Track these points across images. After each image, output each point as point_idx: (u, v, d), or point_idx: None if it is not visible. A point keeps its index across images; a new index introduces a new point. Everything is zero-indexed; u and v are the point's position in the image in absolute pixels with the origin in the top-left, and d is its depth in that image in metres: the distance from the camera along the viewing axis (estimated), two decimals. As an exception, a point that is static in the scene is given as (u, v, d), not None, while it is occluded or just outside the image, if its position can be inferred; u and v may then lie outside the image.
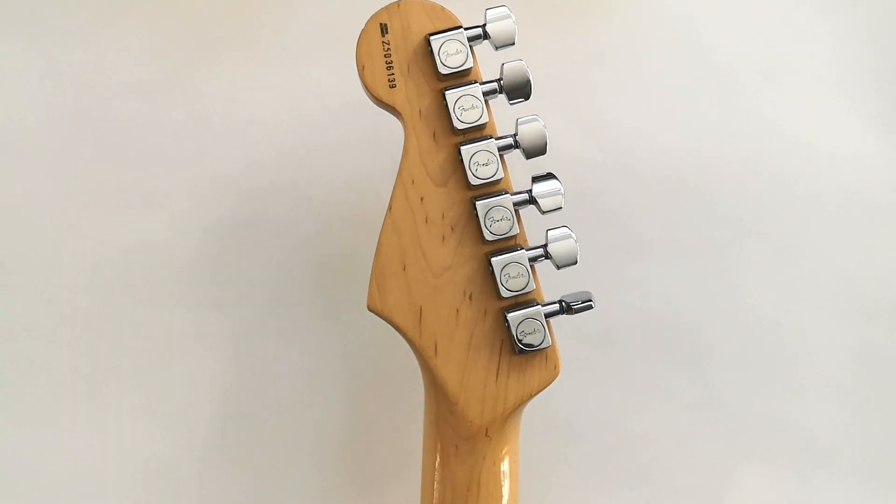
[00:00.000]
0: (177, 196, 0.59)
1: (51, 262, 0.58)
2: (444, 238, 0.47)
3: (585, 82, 0.60)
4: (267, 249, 0.59)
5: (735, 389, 0.59)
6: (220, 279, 0.59)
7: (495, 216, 0.47)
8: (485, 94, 0.47)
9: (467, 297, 0.47)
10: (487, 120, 0.47)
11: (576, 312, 0.47)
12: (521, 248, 0.47)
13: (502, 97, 0.47)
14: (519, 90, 0.47)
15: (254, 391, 0.58)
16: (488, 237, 0.47)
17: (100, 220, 0.59)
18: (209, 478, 0.58)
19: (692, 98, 0.60)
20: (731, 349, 0.59)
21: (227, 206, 0.59)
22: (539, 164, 0.48)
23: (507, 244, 0.47)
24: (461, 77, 0.47)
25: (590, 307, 0.47)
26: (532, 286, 0.47)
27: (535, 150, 0.47)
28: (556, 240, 0.47)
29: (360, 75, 0.47)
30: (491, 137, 0.47)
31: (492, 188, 0.47)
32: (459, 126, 0.47)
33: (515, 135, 0.47)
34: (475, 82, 0.47)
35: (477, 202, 0.46)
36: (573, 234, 0.47)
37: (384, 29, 0.47)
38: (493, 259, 0.46)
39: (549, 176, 0.47)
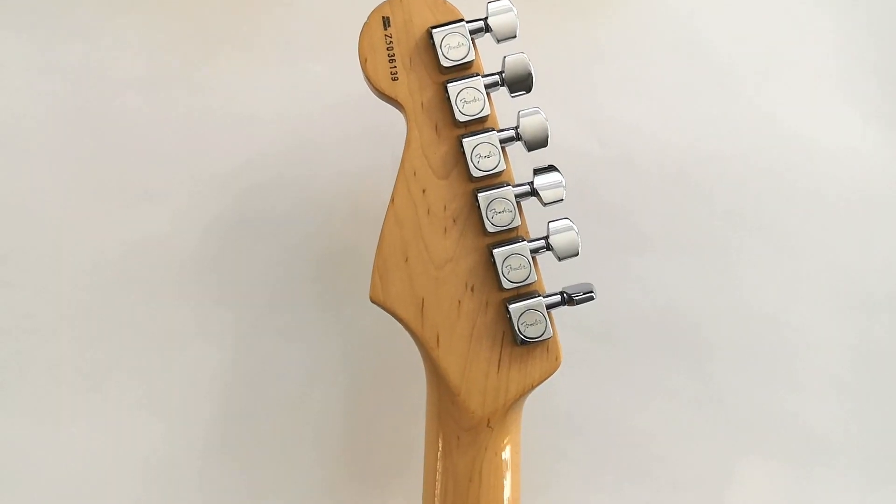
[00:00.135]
0: (178, 192, 0.59)
1: (52, 258, 0.58)
2: (445, 230, 0.47)
3: (586, 77, 0.60)
4: (268, 245, 0.59)
5: (735, 384, 0.59)
6: (222, 275, 0.59)
7: (497, 208, 0.47)
8: (486, 86, 0.47)
9: (469, 289, 0.47)
10: (489, 112, 0.47)
11: (577, 304, 0.47)
12: (523, 240, 0.47)
13: (504, 90, 0.47)
14: (520, 83, 0.47)
15: (255, 386, 0.58)
16: (490, 229, 0.47)
17: (101, 216, 0.59)
18: (210, 473, 0.58)
19: (693, 93, 0.60)
20: (731, 344, 0.59)
21: (229, 202, 0.59)
22: (540, 159, 0.48)
23: (509, 236, 0.47)
24: (463, 70, 0.47)
25: (591, 298, 0.47)
26: (533, 277, 0.47)
27: (537, 143, 0.47)
28: (558, 231, 0.47)
29: (362, 68, 0.48)
30: (492, 130, 0.47)
31: (493, 180, 0.47)
32: (461, 118, 0.47)
33: (517, 127, 0.47)
34: (477, 75, 0.47)
35: (479, 194, 0.47)
36: (574, 226, 0.47)
37: (386, 22, 0.47)
38: (494, 251, 0.47)
39: (551, 168, 0.47)
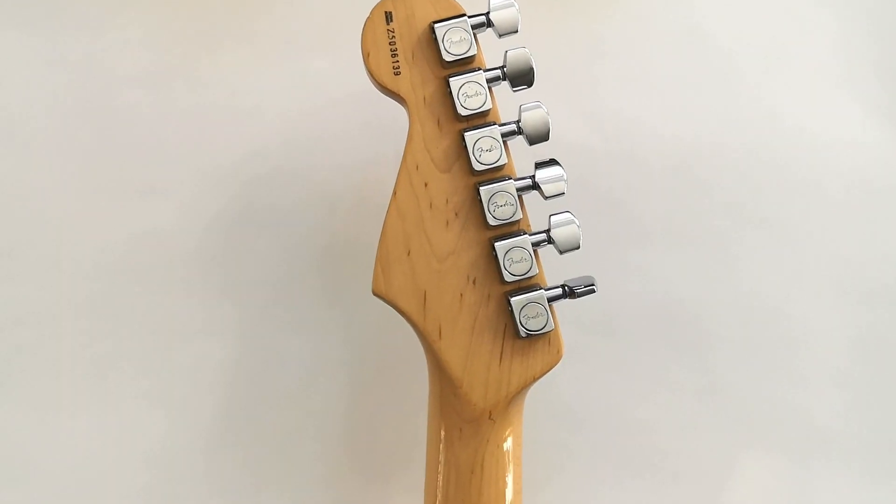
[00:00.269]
0: (182, 186, 0.59)
1: (56, 253, 0.59)
2: (448, 223, 0.47)
3: (587, 72, 0.60)
4: (271, 239, 0.59)
5: (736, 377, 0.59)
6: (225, 268, 0.59)
7: (499, 201, 0.47)
8: (488, 81, 0.47)
9: (471, 282, 0.47)
10: (491, 106, 0.47)
11: (578, 297, 0.47)
12: (525, 233, 0.47)
13: (505, 84, 0.48)
14: (522, 77, 0.47)
15: (258, 379, 0.59)
16: (492, 222, 0.47)
17: (105, 210, 0.59)
18: (213, 466, 0.58)
19: (694, 87, 0.60)
20: (732, 336, 0.59)
21: (232, 196, 0.59)
22: (541, 153, 0.48)
23: (511, 229, 0.48)
24: (465, 64, 0.48)
25: (592, 291, 0.47)
26: (535, 270, 0.47)
27: (538, 137, 0.47)
28: (559, 225, 0.47)
29: (365, 63, 0.48)
30: (494, 124, 0.47)
31: (495, 174, 0.48)
32: (463, 112, 0.47)
33: (518, 121, 0.47)
34: (479, 69, 0.47)
35: (480, 187, 0.47)
36: (576, 220, 0.47)
37: (389, 17, 0.48)
38: (496, 244, 0.47)
39: (552, 162, 0.48)
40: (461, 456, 0.48)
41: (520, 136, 0.47)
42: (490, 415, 0.47)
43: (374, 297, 0.48)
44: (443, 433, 0.48)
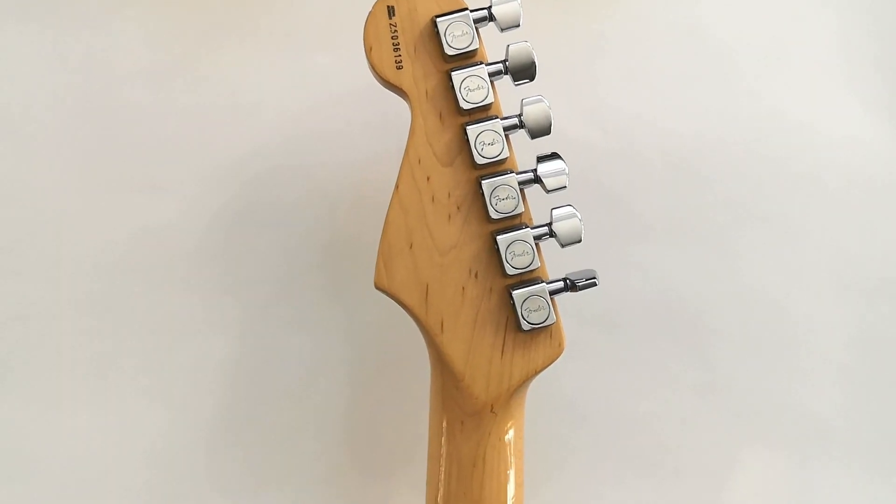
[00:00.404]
0: (182, 183, 0.59)
1: (58, 249, 0.59)
2: (450, 217, 0.48)
3: (588, 67, 0.60)
4: (273, 235, 0.59)
5: (737, 372, 0.59)
6: (226, 265, 0.59)
7: (501, 195, 0.47)
8: (490, 75, 0.47)
9: (473, 275, 0.48)
10: (493, 100, 0.47)
11: (580, 290, 0.47)
12: (526, 227, 0.47)
13: (507, 78, 0.48)
14: (524, 71, 0.47)
15: (259, 376, 0.59)
16: (494, 216, 0.47)
17: (106, 206, 0.59)
18: (214, 462, 0.58)
19: (694, 83, 0.60)
20: (733, 332, 0.59)
21: (233, 193, 0.59)
22: (543, 149, 0.48)
23: (513, 222, 0.48)
24: (467, 58, 0.48)
25: (594, 284, 0.47)
26: (537, 264, 0.47)
27: (540, 130, 0.47)
28: (561, 218, 0.47)
29: (367, 57, 0.48)
30: (496, 118, 0.47)
31: (497, 167, 0.48)
32: (465, 106, 0.47)
33: (520, 115, 0.47)
34: (481, 63, 0.47)
35: (482, 181, 0.47)
36: (577, 213, 0.47)
37: (391, 11, 0.48)
38: (498, 237, 0.47)
39: (554, 156, 0.48)
40: (463, 449, 0.48)
41: (522, 130, 0.47)
42: (492, 408, 0.48)
43: (376, 295, 0.48)
44: (445, 426, 0.48)
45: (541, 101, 0.47)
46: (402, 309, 0.48)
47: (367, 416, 0.59)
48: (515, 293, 0.47)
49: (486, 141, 0.47)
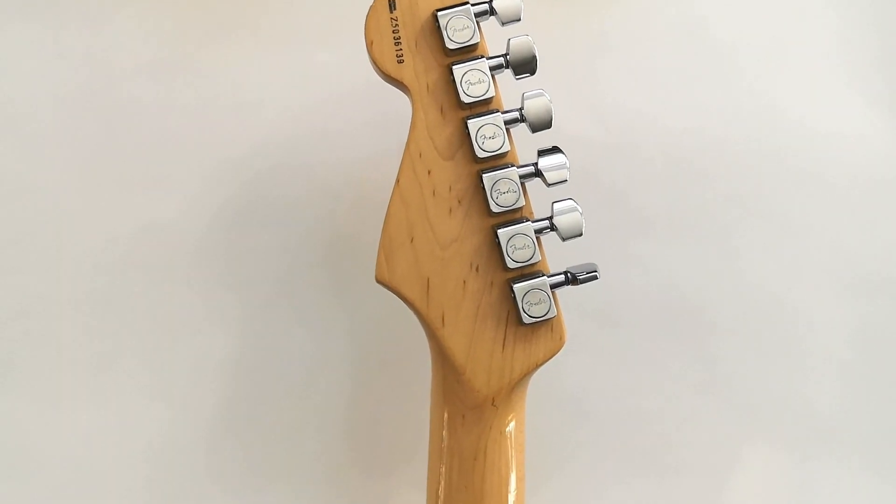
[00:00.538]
0: (184, 179, 0.59)
1: (61, 244, 0.59)
2: (451, 210, 0.48)
3: (589, 63, 0.60)
4: (275, 231, 0.59)
5: (738, 368, 0.59)
6: (229, 261, 0.59)
7: (502, 188, 0.47)
8: (491, 68, 0.47)
9: (474, 269, 0.48)
10: (494, 94, 0.47)
11: (581, 283, 0.47)
12: (527, 220, 0.47)
13: (508, 72, 0.48)
14: (525, 65, 0.47)
15: (260, 373, 0.59)
16: (495, 209, 0.47)
17: (108, 203, 0.59)
18: (215, 459, 0.58)
19: (695, 79, 0.60)
20: (734, 328, 0.59)
21: (235, 189, 0.59)
22: (543, 144, 0.48)
23: (514, 216, 0.48)
24: (468, 52, 0.48)
25: (595, 278, 0.47)
26: (538, 257, 0.47)
27: (541, 124, 0.47)
28: (562, 212, 0.47)
29: (368, 51, 0.48)
30: (497, 111, 0.47)
31: (498, 161, 0.48)
32: (466, 100, 0.47)
33: (521, 109, 0.47)
34: (482, 57, 0.47)
35: (484, 175, 0.47)
36: (578, 207, 0.47)
37: (392, 5, 0.48)
38: (499, 231, 0.47)
39: (555, 150, 0.48)
40: (464, 442, 0.48)
41: (522, 124, 0.48)
42: (493, 401, 0.48)
43: (377, 293, 0.48)
44: (446, 420, 0.48)
45: (542, 94, 0.47)
46: (403, 306, 0.48)
47: (368, 413, 0.59)
48: (516, 287, 0.47)
49: (487, 135, 0.47)
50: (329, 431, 0.58)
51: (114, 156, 0.59)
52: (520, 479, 0.48)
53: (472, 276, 0.48)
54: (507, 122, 0.47)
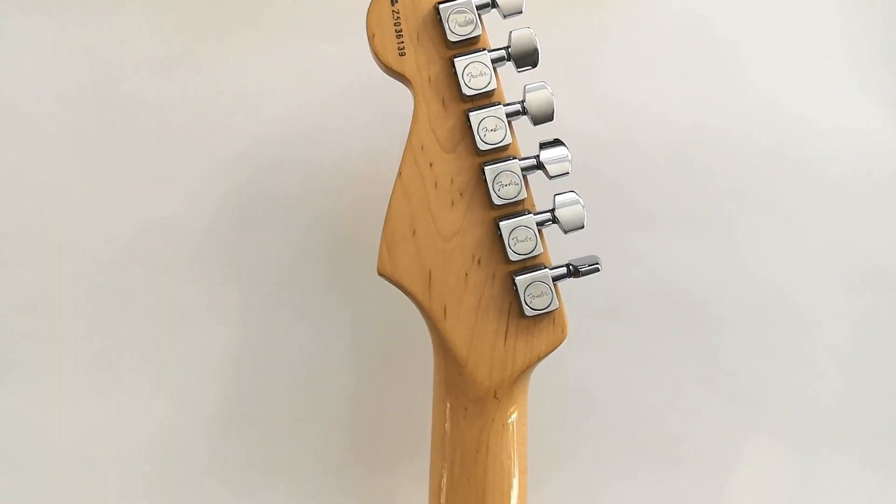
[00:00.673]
0: (188, 173, 0.59)
1: (64, 239, 0.59)
2: (453, 203, 0.48)
3: (591, 57, 0.60)
4: (277, 226, 0.59)
5: (740, 361, 0.59)
6: (231, 256, 0.59)
7: (503, 181, 0.47)
8: (493, 61, 0.47)
9: (476, 262, 0.48)
10: (496, 87, 0.47)
11: (583, 275, 0.47)
12: (529, 213, 0.47)
13: (510, 65, 0.48)
14: (526, 58, 0.47)
15: (263, 367, 0.59)
16: (496, 202, 0.47)
17: (111, 197, 0.59)
18: (217, 453, 0.58)
19: (696, 72, 0.60)
20: (736, 321, 0.59)
21: (238, 184, 0.59)
22: (545, 137, 0.48)
23: (515, 209, 0.48)
24: (470, 45, 0.48)
25: (596, 270, 0.47)
26: (540, 249, 0.47)
27: (543, 117, 0.47)
28: (564, 205, 0.47)
29: (370, 44, 0.48)
30: (499, 104, 0.47)
31: (500, 153, 0.48)
32: (468, 93, 0.47)
33: (523, 101, 0.47)
34: (484, 50, 0.47)
35: (485, 167, 0.47)
36: (580, 199, 0.47)
37: (394, -2, 0.48)
38: (501, 223, 0.47)
39: (557, 142, 0.48)
40: (466, 435, 0.48)
41: (524, 117, 0.48)
42: (495, 394, 0.48)
43: (379, 288, 0.48)
44: (448, 412, 0.48)
45: (543, 87, 0.47)
46: (404, 300, 0.48)
47: (370, 408, 0.59)
48: (518, 279, 0.47)
49: (488, 127, 0.47)
50: (331, 427, 0.58)
51: (116, 152, 0.59)
52: (522, 472, 0.48)
53: (474, 268, 0.48)
54: (508, 115, 0.47)
